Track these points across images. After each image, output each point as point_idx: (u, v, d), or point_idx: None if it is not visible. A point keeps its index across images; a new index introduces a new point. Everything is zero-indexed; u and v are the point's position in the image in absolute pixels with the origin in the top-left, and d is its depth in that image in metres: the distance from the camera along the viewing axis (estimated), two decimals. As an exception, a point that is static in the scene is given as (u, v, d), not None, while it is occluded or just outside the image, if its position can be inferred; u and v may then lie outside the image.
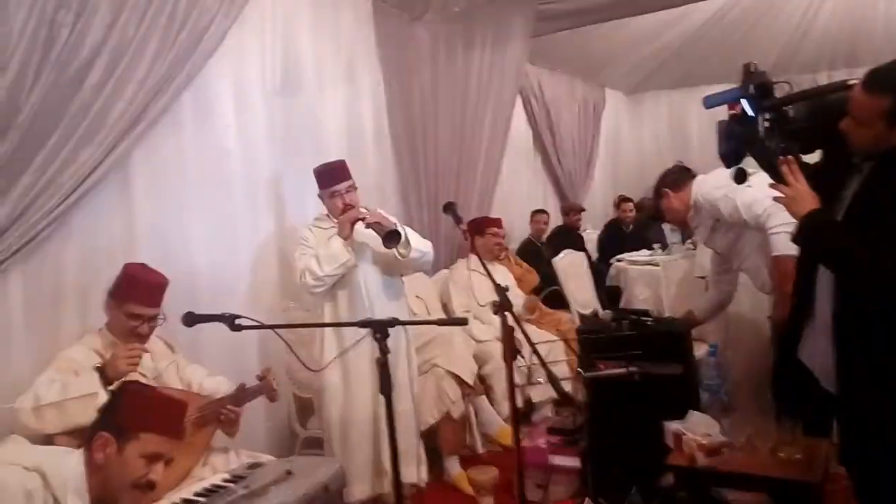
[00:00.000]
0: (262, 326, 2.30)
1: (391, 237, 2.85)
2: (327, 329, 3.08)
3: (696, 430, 2.49)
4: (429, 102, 4.53)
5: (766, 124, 1.81)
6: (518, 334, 2.28)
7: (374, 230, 2.91)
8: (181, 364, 2.63)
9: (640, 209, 7.54)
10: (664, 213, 3.24)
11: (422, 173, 4.56)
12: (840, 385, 1.98)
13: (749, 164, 2.04)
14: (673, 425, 2.57)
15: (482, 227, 4.53)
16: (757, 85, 1.82)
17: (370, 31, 4.23)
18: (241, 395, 2.54)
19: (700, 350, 3.43)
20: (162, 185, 2.91)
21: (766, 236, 2.81)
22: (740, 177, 1.99)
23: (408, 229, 3.03)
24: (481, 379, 3.91)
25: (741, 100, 1.84)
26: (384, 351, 2.16)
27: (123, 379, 2.11)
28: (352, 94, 4.07)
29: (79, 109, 2.45)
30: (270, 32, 3.49)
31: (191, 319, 2.13)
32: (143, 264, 2.48)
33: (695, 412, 2.61)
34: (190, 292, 2.98)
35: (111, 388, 2.10)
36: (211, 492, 1.81)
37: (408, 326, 3.17)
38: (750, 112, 1.83)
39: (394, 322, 2.19)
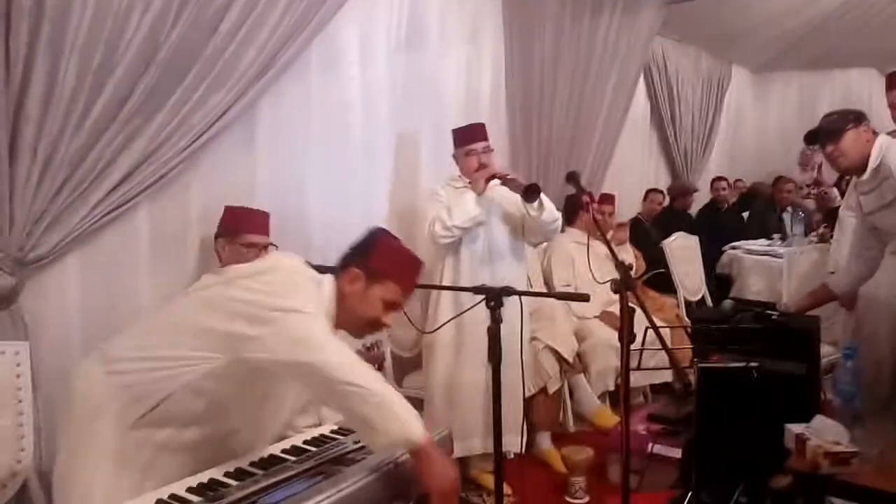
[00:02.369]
0: (323, 268, 2.27)
1: (532, 191, 2.83)
2: (445, 283, 3.08)
3: (823, 435, 2.30)
4: (549, 68, 4.39)
5: None
6: (637, 314, 2.17)
7: (509, 187, 2.90)
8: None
9: (755, 194, 7.16)
10: (838, 155, 2.74)
11: (534, 141, 4.44)
12: None
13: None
14: (796, 428, 2.39)
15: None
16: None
17: (497, -7, 4.12)
18: None
19: (824, 350, 3.19)
20: (285, 134, 2.95)
21: None
22: None
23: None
24: (579, 356, 3.81)
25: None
26: (496, 320, 2.11)
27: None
28: (473, 54, 3.99)
29: (213, 53, 2.47)
30: (399, -14, 3.44)
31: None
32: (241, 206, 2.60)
33: (823, 417, 2.41)
34: (303, 242, 3.03)
35: None
36: (322, 442, 1.82)
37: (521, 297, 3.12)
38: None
39: (509, 291, 2.13)
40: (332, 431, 1.91)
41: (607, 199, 4.51)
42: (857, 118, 2.77)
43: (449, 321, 2.77)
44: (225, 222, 2.54)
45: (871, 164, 2.71)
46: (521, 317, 2.16)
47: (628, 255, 4.50)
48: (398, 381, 3.51)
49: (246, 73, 2.59)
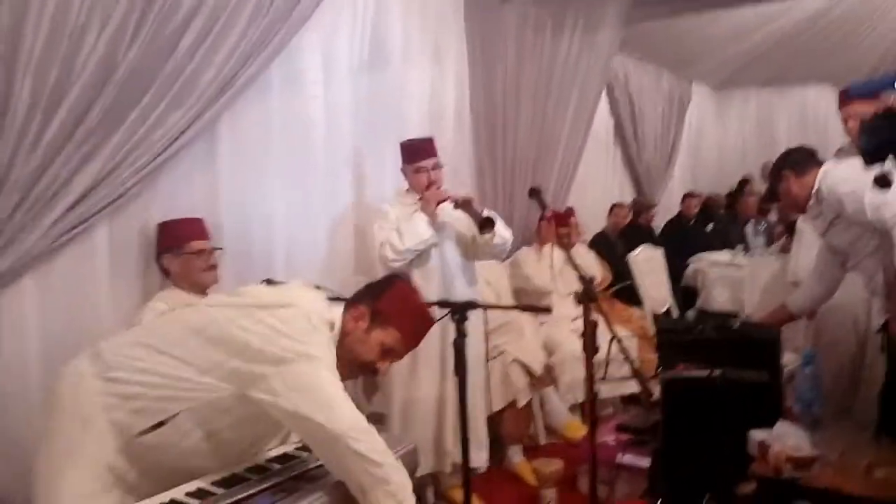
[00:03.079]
0: (340, 299, 2.27)
1: (486, 223, 2.85)
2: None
3: (785, 440, 2.33)
4: (512, 86, 4.43)
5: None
6: (600, 326, 2.20)
7: (465, 211, 2.89)
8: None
9: (713, 206, 7.29)
10: (781, 196, 2.93)
11: (499, 158, 4.47)
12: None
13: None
14: (759, 434, 2.42)
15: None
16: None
17: (459, 10, 4.16)
18: None
19: (786, 358, 3.24)
20: (246, 153, 2.92)
21: (893, 242, 2.59)
22: (884, 182, 1.81)
23: (495, 214, 2.99)
24: (548, 369, 3.82)
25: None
26: (462, 333, 2.12)
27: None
28: (436, 72, 4.01)
29: (171, 72, 2.46)
30: (362, 5, 3.45)
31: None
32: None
33: (784, 422, 2.45)
34: (267, 261, 3.01)
35: None
36: (285, 459, 1.79)
37: (478, 315, 3.13)
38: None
39: (474, 304, 2.15)
40: (296, 449, 1.88)
41: (570, 213, 4.55)
42: (798, 165, 2.87)
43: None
44: (163, 237, 2.53)
45: (813, 191, 2.81)
46: (480, 331, 2.16)
47: (587, 261, 4.53)
48: (367, 399, 3.49)
49: (205, 93, 2.57)
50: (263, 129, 2.97)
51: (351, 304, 1.86)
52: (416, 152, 3.07)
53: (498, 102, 4.40)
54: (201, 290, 2.53)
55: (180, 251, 2.50)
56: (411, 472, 1.72)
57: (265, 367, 1.61)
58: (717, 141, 8.83)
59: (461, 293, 3.05)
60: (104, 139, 2.33)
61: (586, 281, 2.20)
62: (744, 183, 7.01)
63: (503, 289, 4.08)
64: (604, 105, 6.20)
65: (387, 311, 1.83)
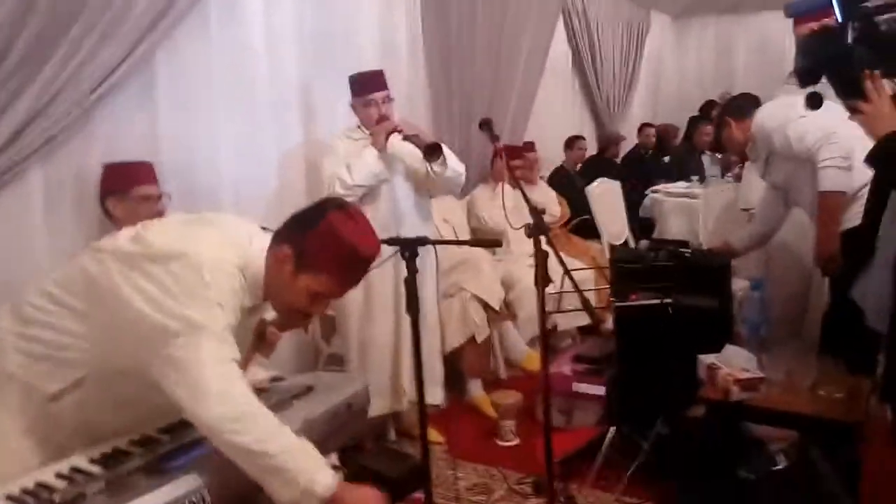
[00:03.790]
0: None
1: (433, 150, 2.76)
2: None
3: (733, 364, 2.40)
4: (466, 13, 4.31)
5: (854, 34, 1.63)
6: (552, 259, 2.19)
7: (412, 142, 2.81)
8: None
9: (668, 137, 7.31)
10: (725, 142, 3.09)
11: (455, 89, 4.38)
12: (893, 323, 1.86)
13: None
14: (708, 358, 2.48)
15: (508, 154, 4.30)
16: (853, -15, 1.63)
17: (409, -65, 4.00)
18: None
19: (738, 285, 3.31)
20: (186, 88, 2.79)
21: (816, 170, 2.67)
22: (815, 101, 1.81)
23: (445, 147, 2.92)
24: (507, 304, 3.85)
25: (832, 3, 1.65)
26: (412, 270, 2.08)
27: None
28: (387, 1, 3.87)
29: (100, 2, 2.31)
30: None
31: None
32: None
33: (732, 346, 2.51)
34: (213, 200, 2.92)
35: None
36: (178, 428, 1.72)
37: (436, 247, 3.11)
38: (839, 16, 1.64)
39: (424, 241, 2.10)
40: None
41: (528, 147, 4.51)
42: (738, 111, 2.98)
43: (379, 262, 2.72)
44: (109, 180, 2.40)
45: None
46: (432, 269, 2.12)
47: (546, 197, 4.52)
48: (326, 340, 3.48)
49: (139, 22, 2.44)
50: (203, 63, 2.84)
51: (275, 242, 1.62)
52: (365, 85, 2.98)
53: (452, 31, 4.28)
54: None
55: (126, 195, 2.38)
56: (362, 410, 1.71)
57: (148, 339, 1.45)
58: (677, 71, 8.79)
59: (414, 230, 2.99)
60: (30, 77, 2.19)
61: (536, 213, 2.17)
62: (708, 106, 7.00)
63: (461, 227, 4.06)
64: (562, 35, 6.09)
65: (314, 251, 1.57)
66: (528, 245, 3.86)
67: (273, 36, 3.15)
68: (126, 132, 2.60)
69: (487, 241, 2.01)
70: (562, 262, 2.28)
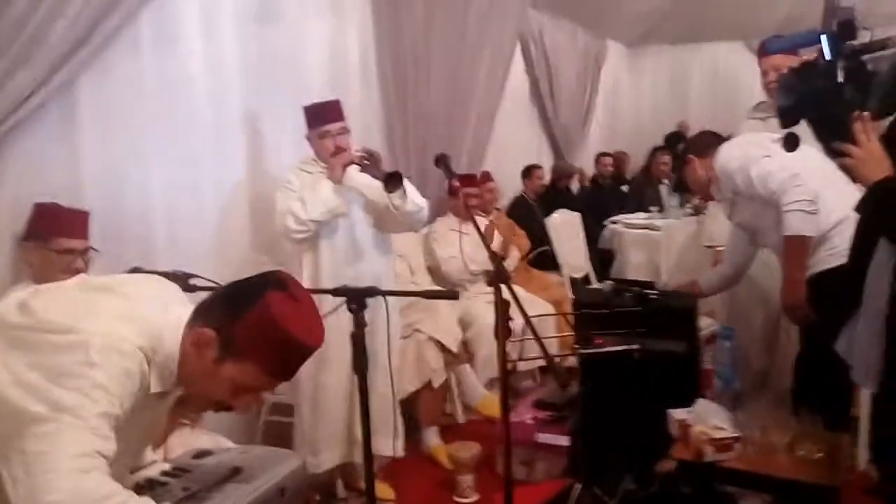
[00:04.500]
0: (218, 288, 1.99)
1: (393, 180, 2.58)
2: (305, 283, 2.80)
3: (706, 420, 2.24)
4: (421, 39, 4.15)
5: (843, 73, 1.50)
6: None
7: (370, 174, 2.64)
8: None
9: (624, 166, 7.29)
10: (688, 181, 2.98)
11: (410, 118, 4.21)
12: (886, 380, 1.72)
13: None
14: (679, 413, 2.32)
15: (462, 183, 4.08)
16: (842, 23, 1.50)
17: (360, -43, 3.83)
18: None
19: (703, 323, 3.19)
20: (114, 118, 2.54)
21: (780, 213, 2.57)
22: (792, 143, 1.69)
23: (406, 180, 2.74)
24: (464, 343, 3.65)
25: (820, 40, 1.52)
26: (360, 325, 1.89)
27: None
28: (337, 25, 3.68)
29: (12, 22, 2.07)
30: (246, -50, 3.08)
31: None
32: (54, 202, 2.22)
33: (704, 400, 2.36)
34: (145, 242, 2.68)
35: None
36: (145, 487, 1.52)
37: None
38: (828, 54, 1.51)
39: (373, 291, 1.91)
40: (163, 473, 1.61)
41: (486, 177, 4.36)
42: (702, 148, 2.90)
43: (325, 314, 2.51)
44: (33, 223, 2.16)
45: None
46: (387, 317, 1.93)
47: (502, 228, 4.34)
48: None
49: (57, 48, 2.20)
50: (134, 91, 2.59)
51: (195, 320, 1.38)
52: (320, 116, 2.81)
53: (407, 57, 4.12)
54: None
55: (46, 245, 2.14)
56: (297, 493, 1.49)
57: (4, 426, 1.23)
58: (633, 100, 8.82)
59: (372, 266, 2.83)
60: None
61: (496, 259, 2.00)
62: (674, 137, 6.98)
63: (417, 264, 3.86)
64: (520, 63, 6.00)
65: (245, 337, 1.33)
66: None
67: (213, 62, 2.92)
68: (43, 166, 2.33)
69: (443, 292, 1.82)
70: (522, 311, 2.10)
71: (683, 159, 2.99)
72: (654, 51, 8.81)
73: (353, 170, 2.69)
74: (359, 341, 1.91)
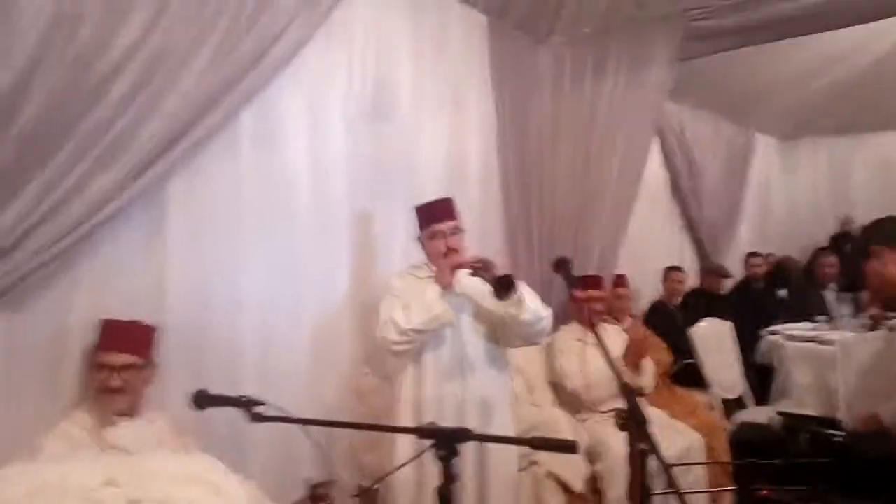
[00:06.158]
0: (287, 420, 1.68)
1: (504, 285, 2.22)
2: (405, 403, 2.45)
3: None
4: (547, 137, 3.90)
5: None
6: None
7: (481, 277, 2.29)
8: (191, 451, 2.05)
9: (787, 270, 6.51)
10: (870, 278, 2.33)
11: (535, 220, 3.89)
12: None
13: None
14: None
15: (587, 287, 3.56)
16: None
17: (483, 53, 3.65)
18: None
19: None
20: (206, 224, 2.36)
21: None
22: None
23: (523, 284, 2.37)
24: (591, 482, 3.08)
25: None
26: (449, 478, 1.48)
27: None
28: (456, 123, 3.46)
29: (97, 124, 1.96)
30: (361, 45, 2.93)
31: (201, 400, 1.67)
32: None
33: None
34: (235, 358, 2.43)
35: None
36: None
37: (506, 414, 2.49)
38: None
39: (465, 435, 1.50)
40: None
41: (619, 281, 3.89)
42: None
43: (397, 469, 2.12)
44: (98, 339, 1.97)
45: None
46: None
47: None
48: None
49: (145, 147, 2.06)
50: (230, 194, 2.42)
51: None
52: (431, 215, 2.55)
53: (532, 155, 3.86)
54: (105, 416, 1.95)
55: (92, 358, 1.97)
56: None
57: None
58: (787, 196, 8.05)
59: (483, 386, 2.44)
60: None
61: (629, 393, 1.54)
62: (840, 238, 6.22)
63: (538, 380, 3.40)
64: (657, 158, 5.58)
65: None
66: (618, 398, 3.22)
67: (318, 160, 2.73)
68: (124, 275, 2.16)
69: (556, 442, 1.38)
70: (661, 460, 1.61)
71: (863, 252, 2.33)
72: (808, 143, 8.10)
73: (464, 274, 2.36)
74: (447, 499, 1.49)
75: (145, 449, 1.87)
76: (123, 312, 2.05)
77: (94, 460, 1.50)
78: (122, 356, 1.94)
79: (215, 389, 1.68)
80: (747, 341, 4.95)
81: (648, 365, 3.50)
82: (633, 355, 3.33)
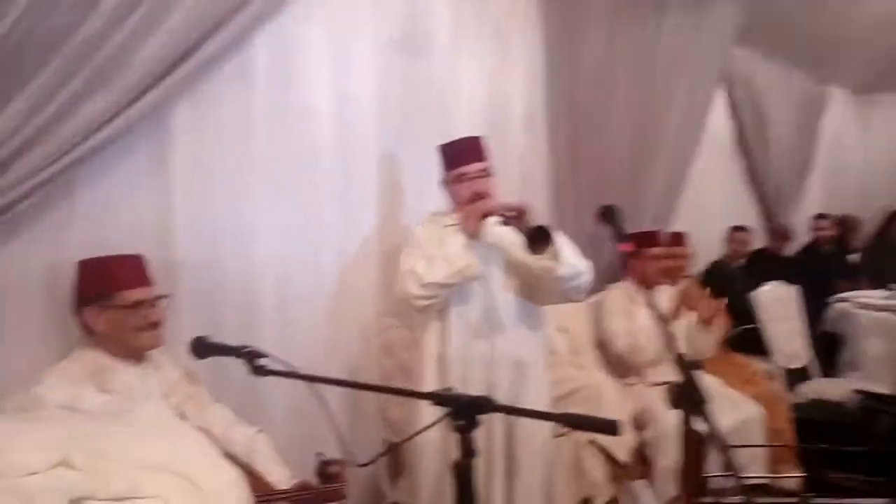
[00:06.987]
0: (292, 375, 1.50)
1: (537, 237, 1.99)
2: (429, 360, 2.25)
3: None
4: (601, 78, 3.60)
5: None
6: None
7: (513, 227, 2.07)
8: (201, 401, 1.89)
9: (851, 230, 6.05)
10: None
11: (583, 167, 3.63)
12: None
13: None
14: None
15: (640, 243, 3.27)
16: None
17: (531, -17, 3.35)
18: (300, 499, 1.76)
19: None
20: (215, 157, 2.16)
21: None
22: None
23: (560, 235, 2.12)
24: (637, 452, 2.84)
25: None
26: (468, 452, 1.26)
27: None
28: (499, 60, 3.23)
29: (87, 38, 1.74)
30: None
31: (200, 348, 1.56)
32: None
33: None
34: (248, 303, 2.26)
35: None
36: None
37: (541, 377, 2.27)
38: None
39: (486, 406, 1.28)
40: None
41: (678, 239, 3.59)
42: None
43: (415, 434, 1.92)
44: (87, 282, 1.77)
45: None
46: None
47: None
48: (393, 480, 2.67)
49: (143, 68, 1.85)
50: (241, 126, 2.21)
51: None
52: (457, 155, 2.32)
53: (582, 98, 3.59)
54: (135, 354, 1.80)
55: (108, 303, 1.75)
56: None
57: None
58: (862, 154, 7.51)
59: (515, 346, 2.24)
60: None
61: (685, 368, 1.28)
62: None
63: (583, 340, 3.13)
64: (722, 107, 5.17)
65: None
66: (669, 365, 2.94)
67: (343, 95, 2.51)
68: (125, 209, 1.99)
69: (594, 421, 1.13)
70: (721, 443, 1.36)
71: None
72: (890, 98, 7.48)
73: (493, 222, 2.11)
74: (465, 475, 1.27)
75: (150, 398, 1.73)
76: (125, 248, 1.87)
77: (51, 427, 1.35)
78: (150, 289, 1.80)
79: (230, 336, 1.57)
80: (814, 308, 4.60)
81: (718, 326, 3.23)
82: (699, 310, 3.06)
